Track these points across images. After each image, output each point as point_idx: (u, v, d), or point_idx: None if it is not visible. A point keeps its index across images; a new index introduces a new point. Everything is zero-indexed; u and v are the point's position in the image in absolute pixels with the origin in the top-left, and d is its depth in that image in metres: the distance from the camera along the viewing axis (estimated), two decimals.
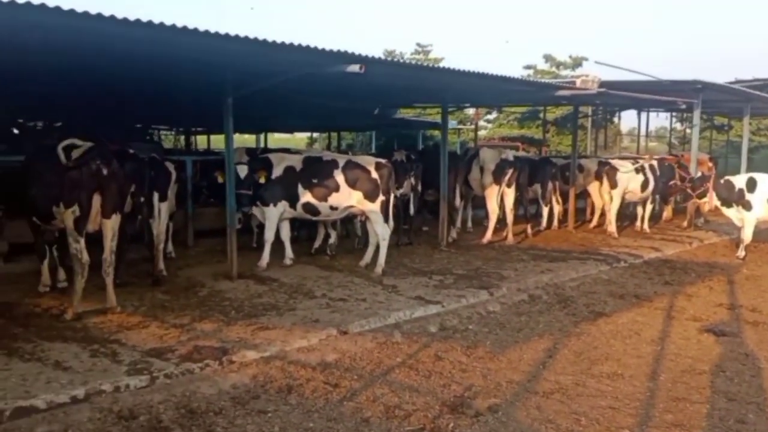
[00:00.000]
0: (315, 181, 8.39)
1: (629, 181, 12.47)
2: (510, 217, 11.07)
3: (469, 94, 13.13)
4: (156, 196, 7.69)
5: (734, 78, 22.61)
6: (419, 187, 10.82)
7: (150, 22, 5.03)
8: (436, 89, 10.61)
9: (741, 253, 10.43)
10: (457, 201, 11.66)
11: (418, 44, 38.48)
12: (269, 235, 8.55)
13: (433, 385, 4.85)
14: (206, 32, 5.41)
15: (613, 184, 12.36)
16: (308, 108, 14.55)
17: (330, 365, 5.15)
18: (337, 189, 8.36)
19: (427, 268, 8.94)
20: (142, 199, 7.39)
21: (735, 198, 10.42)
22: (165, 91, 11.25)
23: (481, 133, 37.34)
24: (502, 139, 31.23)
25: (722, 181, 10.80)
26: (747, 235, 10.42)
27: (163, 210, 7.83)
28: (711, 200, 10.82)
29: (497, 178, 10.64)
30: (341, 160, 8.65)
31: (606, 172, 12.43)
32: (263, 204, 8.49)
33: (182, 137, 24.96)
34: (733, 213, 10.60)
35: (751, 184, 10.32)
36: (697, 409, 4.52)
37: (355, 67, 6.52)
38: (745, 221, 10.39)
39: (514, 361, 5.46)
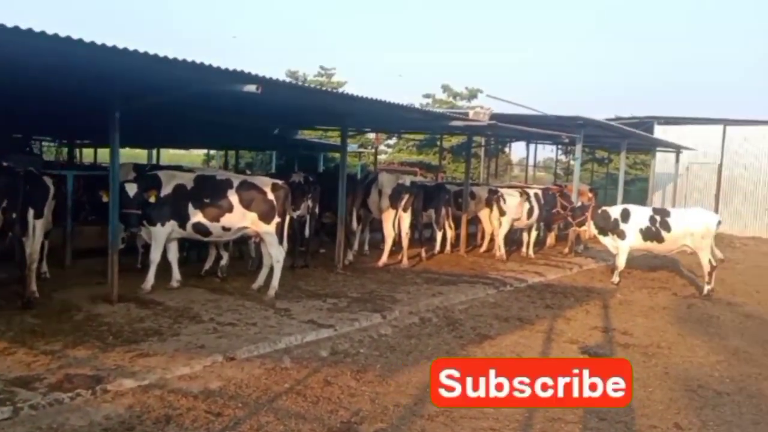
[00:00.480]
0: (207, 200, 8.15)
1: (518, 208, 13.13)
2: (405, 241, 11.28)
3: (368, 119, 13.34)
4: (31, 212, 7.13)
5: (614, 115, 24.61)
6: (317, 210, 10.79)
7: (30, 30, 4.71)
8: (336, 113, 10.69)
9: (615, 278, 11.19)
10: (354, 224, 11.75)
11: (322, 67, 38.61)
12: (155, 256, 8.17)
13: (320, 412, 4.80)
14: (92, 43, 5.15)
15: (503, 211, 12.97)
16: (204, 125, 14.17)
17: (213, 393, 4.98)
18: (230, 209, 8.16)
19: (321, 291, 8.90)
20: (14, 215, 6.84)
21: (610, 227, 11.22)
22: (48, 101, 10.54)
23: (382, 157, 37.94)
24: (402, 164, 31.91)
25: (599, 211, 11.60)
26: (621, 262, 11.22)
27: (37, 227, 7.26)
28: (589, 228, 11.61)
29: (394, 202, 10.85)
30: (236, 180, 8.47)
31: (495, 200, 13.03)
32: (150, 224, 8.13)
33: (65, 149, 23.47)
34: (608, 241, 11.39)
35: (625, 215, 11.16)
36: (571, 429, 4.78)
37: (251, 88, 6.42)
38: (620, 249, 11.19)
39: (402, 385, 5.52)
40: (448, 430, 4.58)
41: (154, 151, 23.78)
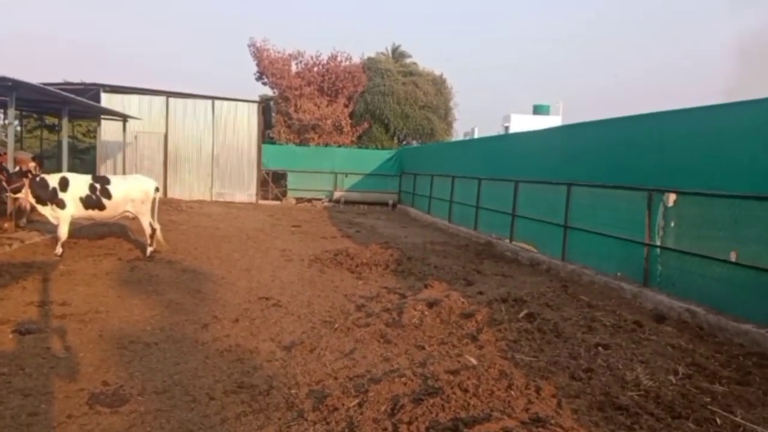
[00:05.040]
0: None
1: None
2: None
3: None
4: None
5: (63, 80, 23.21)
6: None
7: None
8: None
9: (59, 250, 10.78)
10: None
11: None
12: None
13: None
14: None
15: None
16: None
17: None
18: None
19: None
20: None
21: (49, 196, 10.68)
22: None
23: None
24: None
25: (38, 179, 10.87)
26: (63, 232, 10.85)
27: None
28: (27, 197, 10.78)
29: None
30: None
31: None
32: None
33: None
34: (48, 211, 10.85)
35: (64, 183, 10.80)
36: None
37: None
38: (61, 219, 10.80)
39: None
40: None
41: None
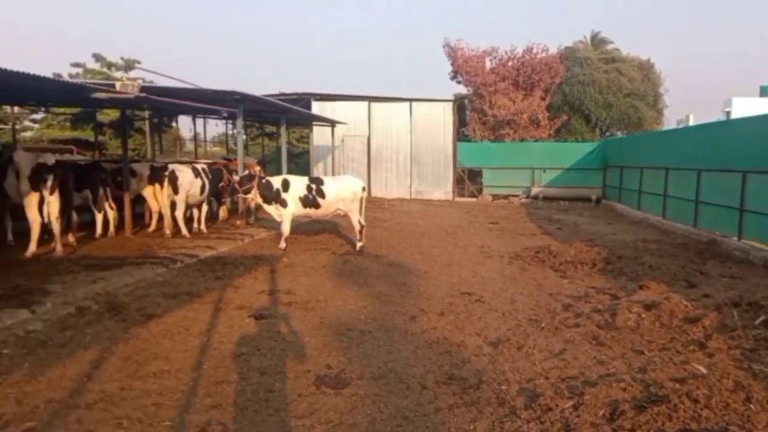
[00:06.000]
0: None
1: (191, 185, 12.95)
2: (56, 227, 10.16)
3: None
4: None
5: (279, 91, 25.77)
6: None
7: None
8: None
9: (282, 244, 11.96)
10: None
11: None
12: None
13: None
14: None
15: (176, 189, 12.66)
16: None
17: None
18: None
19: None
20: None
21: (273, 196, 11.90)
22: None
23: (28, 134, 33.11)
24: (53, 142, 28.28)
25: (263, 181, 12.16)
26: (286, 229, 12.01)
27: None
28: (256, 197, 12.11)
29: (35, 184, 9.63)
30: None
31: (169, 178, 12.62)
32: None
33: None
34: (272, 210, 12.08)
35: (285, 185, 11.95)
36: (234, 387, 5.05)
37: None
38: (283, 216, 11.97)
39: (55, 380, 5.08)
40: (108, 415, 4.41)
41: None
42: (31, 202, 9.69)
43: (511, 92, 30.74)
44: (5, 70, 7.15)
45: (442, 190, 27.05)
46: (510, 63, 31.37)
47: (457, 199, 26.99)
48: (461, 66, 31.58)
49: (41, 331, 6.39)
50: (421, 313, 7.59)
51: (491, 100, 30.64)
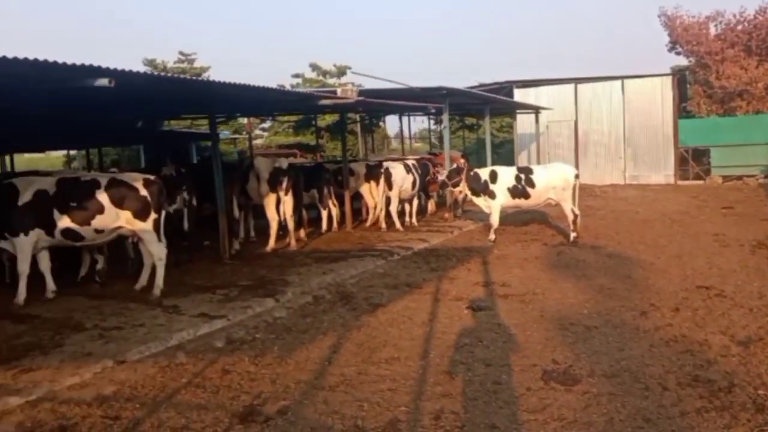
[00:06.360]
0: (74, 203, 7.69)
1: (404, 181, 13.57)
2: (291, 224, 11.29)
3: (236, 105, 13.09)
4: None
5: (477, 82, 25.80)
6: (194, 201, 10.50)
7: None
8: (201, 100, 10.40)
9: (492, 236, 11.89)
10: (236, 212, 11.58)
11: (181, 53, 36.93)
12: (23, 268, 7.65)
13: (221, 399, 4.81)
14: None
15: (390, 185, 13.36)
16: (59, 124, 13.20)
17: (108, 398, 4.82)
18: (101, 210, 7.76)
19: (209, 283, 8.75)
20: None
21: (481, 188, 11.88)
22: None
23: (258, 142, 37.24)
24: (280, 147, 31.56)
25: (471, 173, 12.19)
26: (495, 220, 11.93)
27: None
28: (465, 190, 12.22)
29: (273, 186, 10.81)
30: (103, 179, 8.04)
31: (384, 174, 13.36)
32: (12, 234, 7.57)
33: None
34: (481, 201, 12.07)
35: (493, 176, 11.87)
36: (461, 377, 5.13)
37: (103, 82, 6.11)
38: (492, 208, 11.89)
39: (301, 362, 5.63)
40: (349, 397, 4.76)
41: (7, 158, 21.85)
42: (269, 202, 10.89)
43: (743, 59, 26.98)
44: (257, 87, 8.13)
45: (662, 173, 24.77)
46: (740, 27, 27.55)
47: (680, 182, 24.50)
48: (680, 35, 28.51)
49: (285, 317, 7.14)
50: (652, 308, 7.01)
51: (718, 70, 27.21)
